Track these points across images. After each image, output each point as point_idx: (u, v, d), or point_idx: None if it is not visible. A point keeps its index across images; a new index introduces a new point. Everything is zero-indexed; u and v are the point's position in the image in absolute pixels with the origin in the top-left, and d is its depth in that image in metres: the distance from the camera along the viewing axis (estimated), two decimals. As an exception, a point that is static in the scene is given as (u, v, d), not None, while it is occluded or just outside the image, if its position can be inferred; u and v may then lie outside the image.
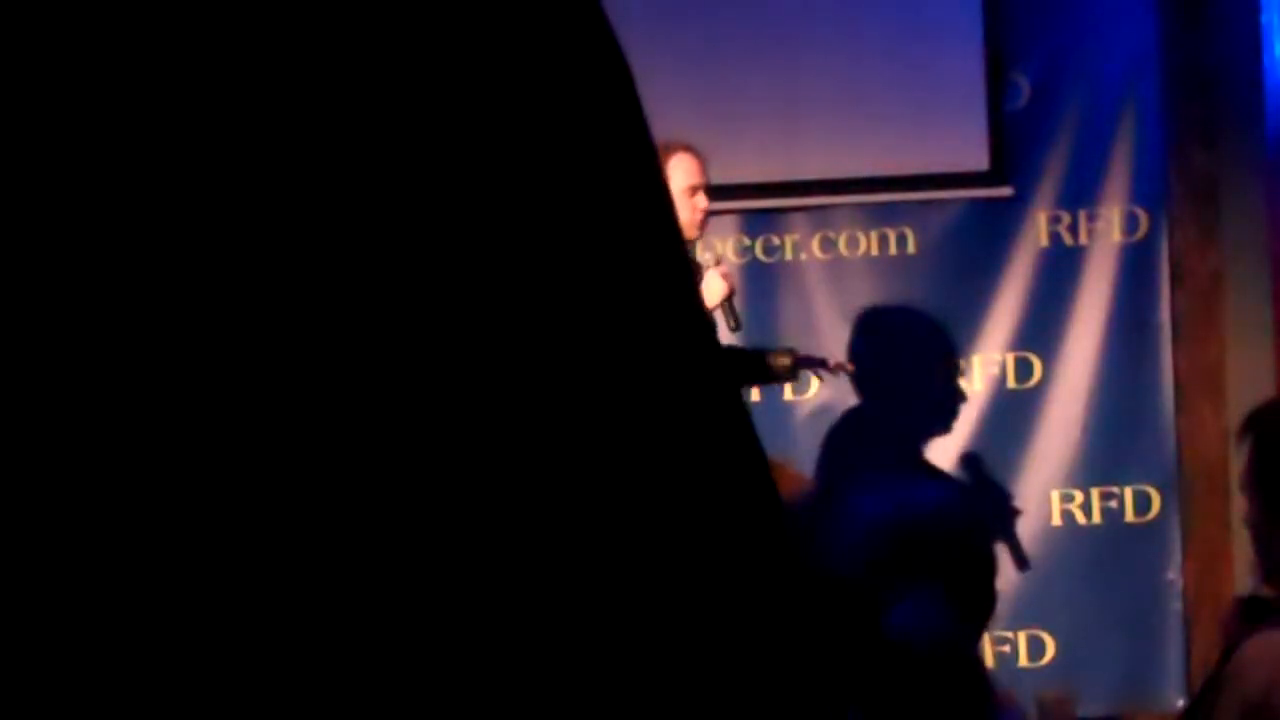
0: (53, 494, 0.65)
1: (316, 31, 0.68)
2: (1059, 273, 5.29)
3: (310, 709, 0.68)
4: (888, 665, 1.64)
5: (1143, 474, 5.24)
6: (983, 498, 5.14)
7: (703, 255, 4.68)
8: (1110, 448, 5.24)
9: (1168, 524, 5.23)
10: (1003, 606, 1.81)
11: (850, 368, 4.98)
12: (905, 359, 5.31)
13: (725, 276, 4.62)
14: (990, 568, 1.78)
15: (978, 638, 1.77)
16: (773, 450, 4.67)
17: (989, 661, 4.70)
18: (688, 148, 4.58)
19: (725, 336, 4.66)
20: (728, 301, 4.60)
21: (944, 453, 5.21)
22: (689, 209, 4.55)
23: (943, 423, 5.29)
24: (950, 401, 5.31)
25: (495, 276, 0.67)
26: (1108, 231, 5.30)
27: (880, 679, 1.65)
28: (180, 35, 0.67)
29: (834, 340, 5.28)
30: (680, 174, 4.57)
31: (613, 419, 0.67)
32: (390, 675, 0.69)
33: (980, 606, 1.75)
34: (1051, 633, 5.20)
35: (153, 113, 0.66)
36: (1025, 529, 5.21)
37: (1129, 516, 5.24)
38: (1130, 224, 5.29)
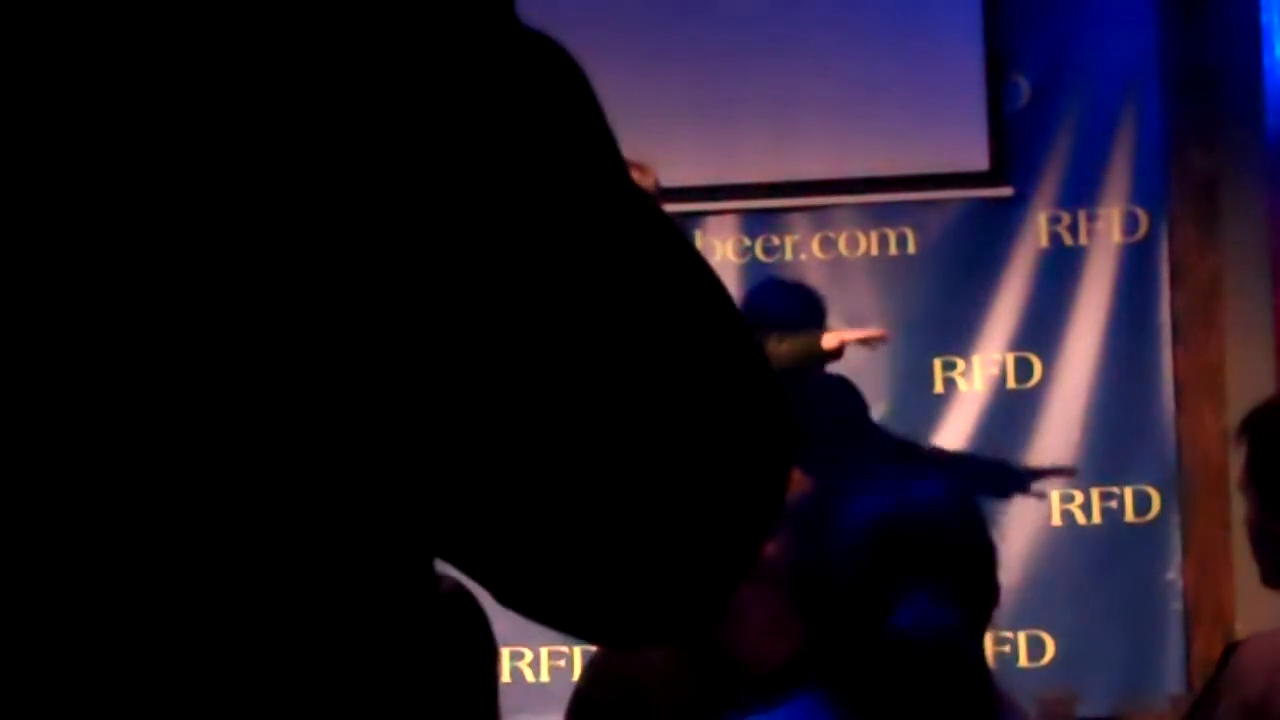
0: (47, 487, 0.65)
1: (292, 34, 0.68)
2: (1059, 273, 5.29)
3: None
4: (892, 666, 1.64)
5: (1143, 474, 5.24)
6: (983, 498, 5.13)
7: None
8: (1110, 448, 5.24)
9: (1168, 524, 5.22)
10: (1003, 606, 1.80)
11: (885, 336, 4.96)
12: (905, 359, 5.30)
13: None
14: (992, 562, 1.77)
15: (982, 634, 1.77)
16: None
17: (989, 662, 4.69)
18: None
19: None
20: None
21: (944, 453, 5.21)
22: None
23: (942, 422, 5.29)
24: (950, 401, 5.31)
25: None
26: (1108, 231, 5.29)
27: (884, 680, 1.65)
28: (174, 36, 0.67)
29: (834, 340, 5.28)
30: None
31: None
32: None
33: (984, 603, 1.75)
34: (1051, 633, 5.20)
35: (147, 113, 0.66)
36: (1025, 529, 5.21)
37: (1129, 516, 5.24)
38: (1130, 224, 5.29)
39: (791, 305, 5.03)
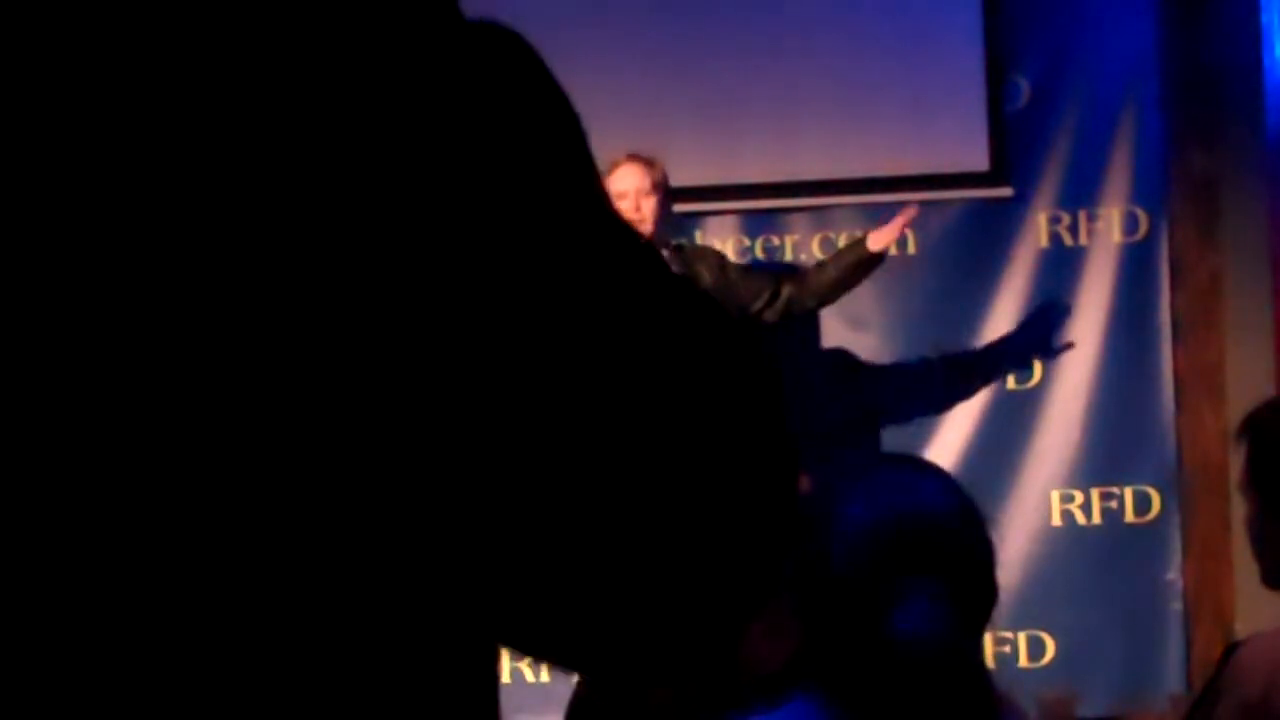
0: (49, 492, 0.65)
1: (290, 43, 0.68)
2: (1059, 273, 5.29)
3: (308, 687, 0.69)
4: (889, 669, 1.64)
5: (1143, 474, 5.24)
6: (983, 498, 5.12)
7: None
8: (1110, 448, 5.24)
9: (1168, 524, 5.22)
10: (1003, 606, 1.80)
11: (914, 210, 5.01)
12: (905, 359, 5.30)
13: None
14: (991, 563, 1.77)
15: (981, 635, 1.77)
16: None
17: (989, 661, 4.69)
18: (631, 158, 4.71)
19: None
20: None
21: (944, 453, 5.21)
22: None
23: (943, 423, 5.29)
24: (950, 401, 5.31)
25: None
26: (1108, 231, 5.29)
27: (881, 682, 1.65)
28: (176, 40, 0.67)
29: (834, 340, 5.28)
30: (610, 184, 4.78)
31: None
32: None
33: (982, 605, 1.74)
34: (1051, 633, 5.20)
35: (152, 114, 0.66)
36: (1025, 529, 5.21)
37: (1129, 516, 5.24)
38: (1130, 224, 5.29)
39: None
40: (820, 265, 5.00)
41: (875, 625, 1.63)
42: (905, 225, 4.93)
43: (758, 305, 4.91)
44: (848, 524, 1.69)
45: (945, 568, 1.68)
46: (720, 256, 5.01)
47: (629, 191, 4.81)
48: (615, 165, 4.84)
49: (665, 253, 4.91)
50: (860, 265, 4.94)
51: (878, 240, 4.91)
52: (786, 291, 4.92)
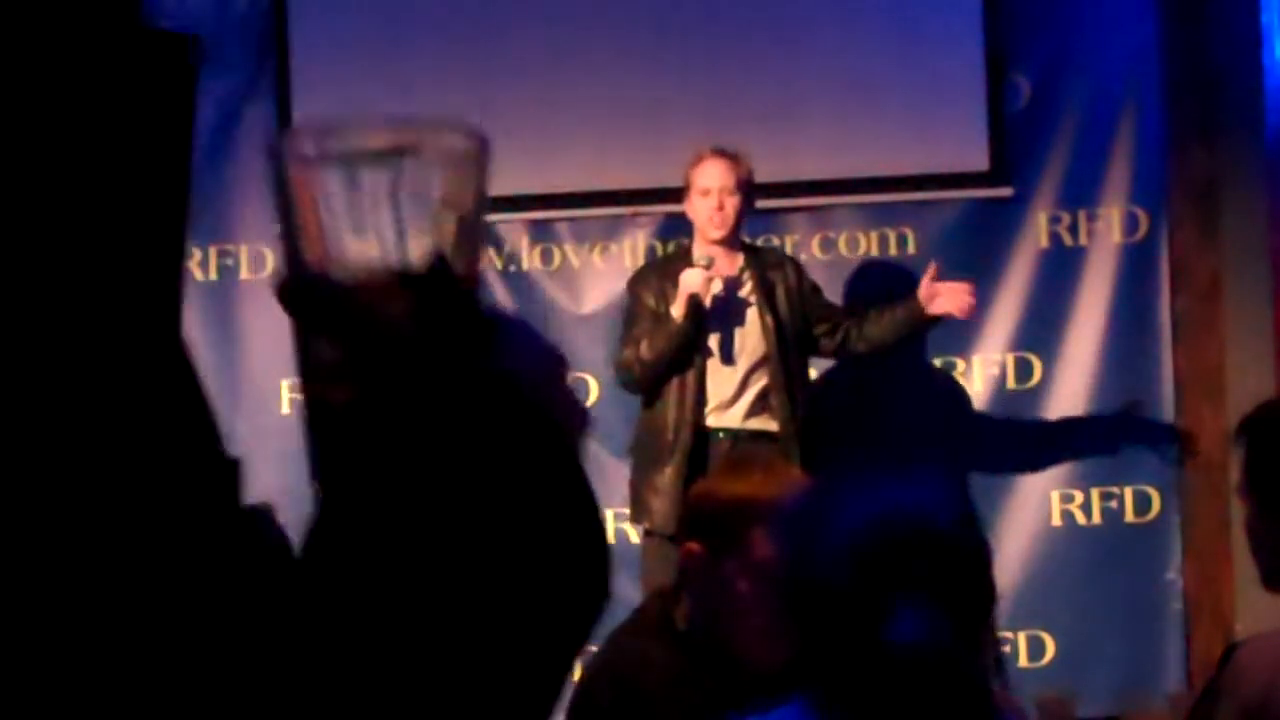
0: None
1: None
2: (1059, 273, 5.29)
3: None
4: (884, 673, 1.64)
5: (1143, 474, 5.24)
6: (983, 498, 5.14)
7: (704, 252, 4.79)
8: (1110, 448, 5.24)
9: (1168, 524, 5.22)
10: (1003, 606, 1.80)
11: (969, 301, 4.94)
12: (904, 359, 5.30)
13: (706, 280, 4.69)
14: (987, 568, 1.77)
15: (977, 639, 1.77)
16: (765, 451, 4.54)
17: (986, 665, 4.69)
18: (717, 152, 4.72)
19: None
20: (694, 298, 4.69)
21: (944, 453, 5.21)
22: (700, 209, 4.82)
23: (942, 423, 5.29)
24: (950, 402, 5.31)
25: None
26: (1108, 232, 5.29)
27: (876, 686, 1.65)
28: None
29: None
30: (694, 177, 4.82)
31: None
32: None
33: (979, 608, 1.74)
34: (1051, 633, 5.20)
35: None
36: (1025, 529, 5.21)
37: (1129, 516, 5.24)
38: (1130, 224, 5.29)
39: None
40: (878, 313, 4.90)
41: (872, 629, 1.64)
42: (966, 305, 4.83)
43: (819, 330, 4.88)
44: (845, 527, 1.69)
45: (941, 572, 1.68)
46: (799, 268, 4.97)
47: (713, 188, 4.77)
48: (700, 158, 4.80)
49: (739, 255, 4.87)
50: (913, 324, 4.88)
51: (937, 306, 4.82)
52: (845, 327, 4.89)
